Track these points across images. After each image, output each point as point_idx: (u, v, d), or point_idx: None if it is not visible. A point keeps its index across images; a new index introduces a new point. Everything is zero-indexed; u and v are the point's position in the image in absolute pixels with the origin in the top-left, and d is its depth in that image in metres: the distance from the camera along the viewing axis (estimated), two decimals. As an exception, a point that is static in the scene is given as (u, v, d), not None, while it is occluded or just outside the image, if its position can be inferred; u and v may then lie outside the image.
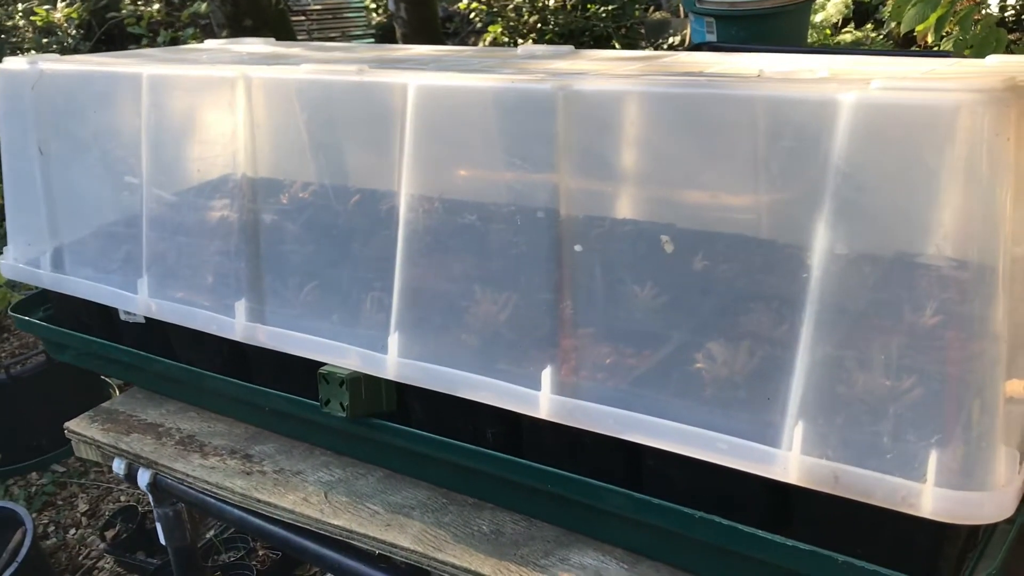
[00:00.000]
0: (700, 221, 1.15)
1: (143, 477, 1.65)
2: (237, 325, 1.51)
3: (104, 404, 1.84)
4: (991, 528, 1.09)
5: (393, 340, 1.33)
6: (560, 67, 1.38)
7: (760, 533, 1.07)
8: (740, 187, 1.12)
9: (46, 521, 3.28)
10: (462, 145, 1.32)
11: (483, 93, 1.26)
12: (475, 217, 1.28)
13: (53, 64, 1.75)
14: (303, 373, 1.46)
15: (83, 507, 3.35)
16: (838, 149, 0.98)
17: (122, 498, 3.36)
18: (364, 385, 1.37)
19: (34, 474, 3.52)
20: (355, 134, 1.46)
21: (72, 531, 3.24)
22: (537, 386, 1.21)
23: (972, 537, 1.09)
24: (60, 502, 3.39)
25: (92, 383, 3.56)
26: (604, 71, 1.28)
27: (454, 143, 1.32)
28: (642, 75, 1.22)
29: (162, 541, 1.78)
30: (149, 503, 3.21)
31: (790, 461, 1.03)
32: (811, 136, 1.01)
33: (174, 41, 5.47)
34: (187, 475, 1.57)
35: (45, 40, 5.91)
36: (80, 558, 3.11)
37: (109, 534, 2.96)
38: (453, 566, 1.27)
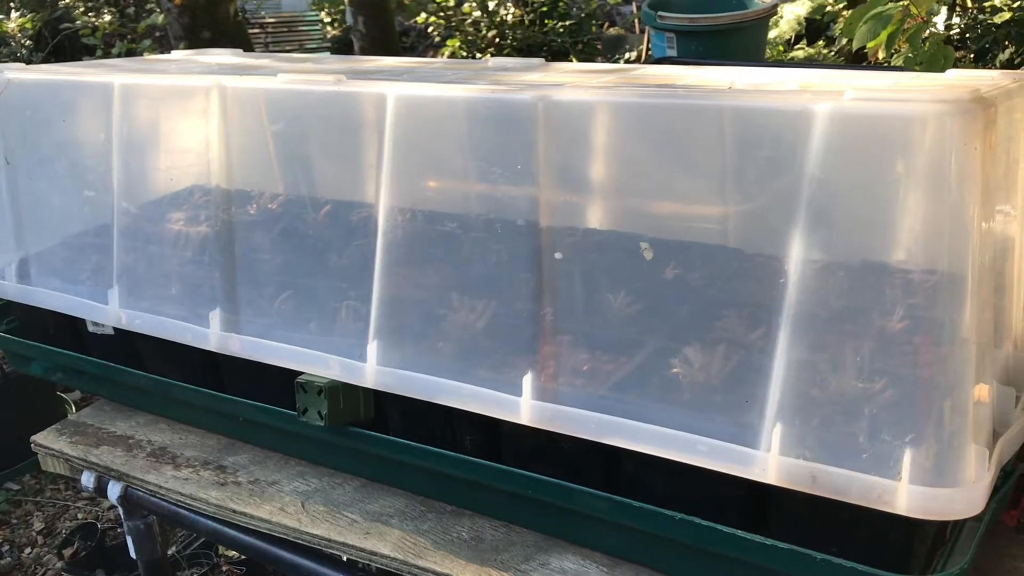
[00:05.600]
0: (679, 230, 1.18)
1: (113, 490, 1.63)
2: (211, 335, 1.50)
3: (71, 417, 1.81)
4: (960, 526, 1.12)
5: (372, 348, 1.34)
6: (535, 79, 1.41)
7: (740, 533, 1.09)
8: (717, 195, 1.15)
9: None
10: (441, 154, 1.33)
11: (462, 103, 1.27)
12: (455, 225, 1.30)
13: (20, 73, 1.73)
14: (276, 383, 1.46)
15: (39, 525, 3.28)
16: (812, 158, 1.02)
17: (80, 515, 3.30)
18: (342, 394, 1.37)
19: (-13, 492, 3.44)
20: (332, 144, 1.47)
21: (28, 550, 3.17)
22: (518, 392, 1.22)
23: (940, 534, 1.12)
24: (15, 520, 3.31)
25: (48, 400, 3.48)
26: (579, 83, 1.30)
27: (433, 153, 1.33)
28: (619, 86, 1.25)
29: (132, 555, 1.76)
30: (108, 520, 3.16)
31: (768, 462, 1.06)
32: (787, 145, 1.04)
33: (130, 52, 5.41)
34: (160, 487, 1.55)
35: (-5, 50, 5.81)
36: (36, 577, 3.04)
37: (67, 552, 2.91)
38: (434, 572, 1.27)
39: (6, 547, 3.17)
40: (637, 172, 1.21)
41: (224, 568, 2.77)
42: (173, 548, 2.84)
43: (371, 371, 1.34)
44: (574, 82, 1.31)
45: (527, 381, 1.22)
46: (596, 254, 1.23)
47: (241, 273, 1.50)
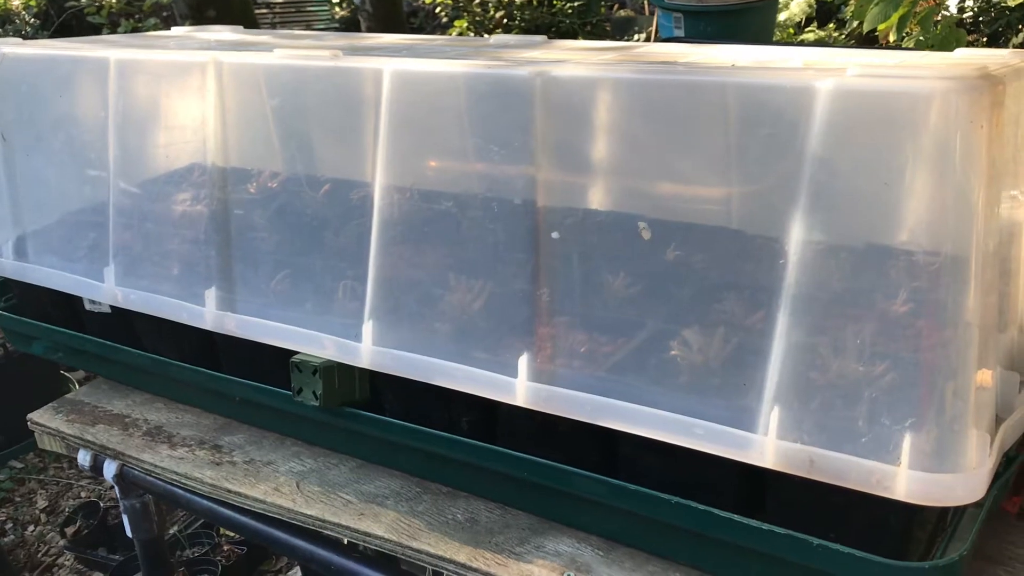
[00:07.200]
0: (680, 211, 1.15)
1: (109, 469, 1.62)
2: (207, 314, 1.49)
3: (68, 395, 1.81)
4: (960, 512, 1.11)
5: (368, 328, 1.32)
6: (535, 55, 1.38)
7: (736, 517, 1.08)
8: (718, 175, 1.13)
9: (3, 518, 3.22)
10: (437, 131, 1.31)
11: (460, 79, 1.25)
12: (451, 204, 1.28)
13: (16, 48, 1.72)
14: (272, 362, 1.45)
15: (42, 503, 3.29)
16: (815, 136, 0.99)
17: (82, 494, 3.31)
18: (337, 374, 1.36)
19: (-10, 471, 3.45)
20: (328, 120, 1.45)
21: (31, 528, 3.18)
22: (514, 373, 1.21)
23: (941, 521, 1.11)
24: (18, 498, 3.33)
25: (50, 378, 3.49)
26: (580, 59, 1.28)
27: (429, 129, 1.31)
28: (620, 63, 1.23)
29: (128, 534, 1.75)
30: (111, 499, 3.17)
31: (766, 446, 1.04)
32: (789, 123, 1.02)
33: (135, 31, 5.39)
34: (155, 466, 1.54)
35: (0, 28, 5.79)
36: (39, 555, 3.05)
37: (69, 530, 2.92)
38: (428, 554, 1.26)
39: (9, 525, 3.19)
40: (637, 151, 1.19)
41: (225, 548, 2.77)
42: (175, 528, 2.85)
43: (366, 351, 1.33)
44: (575, 59, 1.29)
45: (523, 362, 1.21)
46: (595, 234, 1.20)
47: (237, 252, 1.49)
